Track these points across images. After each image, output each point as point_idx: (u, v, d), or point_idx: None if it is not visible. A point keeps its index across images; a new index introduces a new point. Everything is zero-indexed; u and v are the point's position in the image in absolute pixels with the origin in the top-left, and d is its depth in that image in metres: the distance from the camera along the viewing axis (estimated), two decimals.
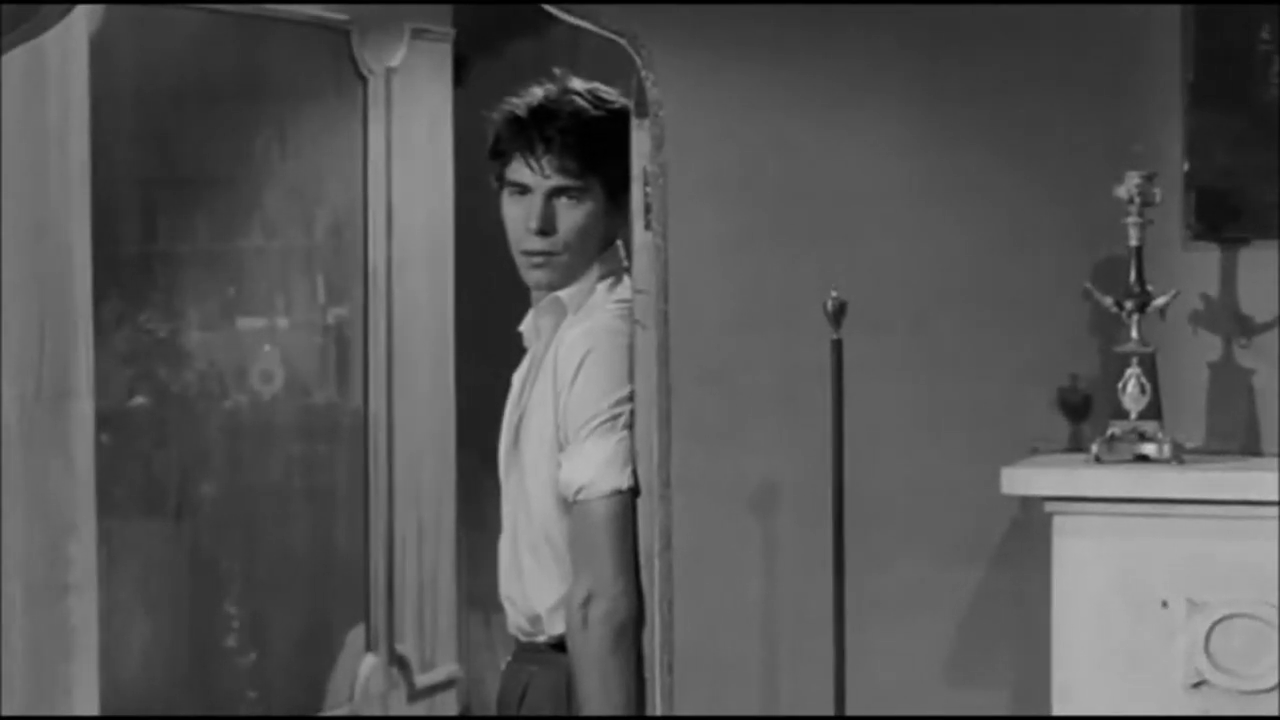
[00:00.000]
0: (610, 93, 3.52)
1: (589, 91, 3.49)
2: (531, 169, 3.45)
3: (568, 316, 3.47)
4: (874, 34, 3.53)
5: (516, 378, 3.56)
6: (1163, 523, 3.25)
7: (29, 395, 4.51)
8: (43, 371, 4.55)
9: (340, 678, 5.72)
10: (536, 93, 3.49)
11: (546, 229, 3.45)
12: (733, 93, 3.59)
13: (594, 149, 3.44)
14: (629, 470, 3.37)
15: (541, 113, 3.46)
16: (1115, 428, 3.33)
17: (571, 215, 3.45)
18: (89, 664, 4.64)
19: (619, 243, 3.55)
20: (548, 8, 3.57)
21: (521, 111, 3.48)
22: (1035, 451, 3.44)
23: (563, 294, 3.48)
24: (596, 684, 3.34)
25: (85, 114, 4.60)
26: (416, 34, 5.88)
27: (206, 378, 5.29)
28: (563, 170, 3.44)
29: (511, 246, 3.51)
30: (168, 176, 5.16)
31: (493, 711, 3.67)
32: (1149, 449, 3.31)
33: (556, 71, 3.53)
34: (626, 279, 3.53)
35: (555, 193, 3.45)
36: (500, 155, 3.50)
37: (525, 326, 3.56)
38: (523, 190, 3.47)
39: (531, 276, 3.50)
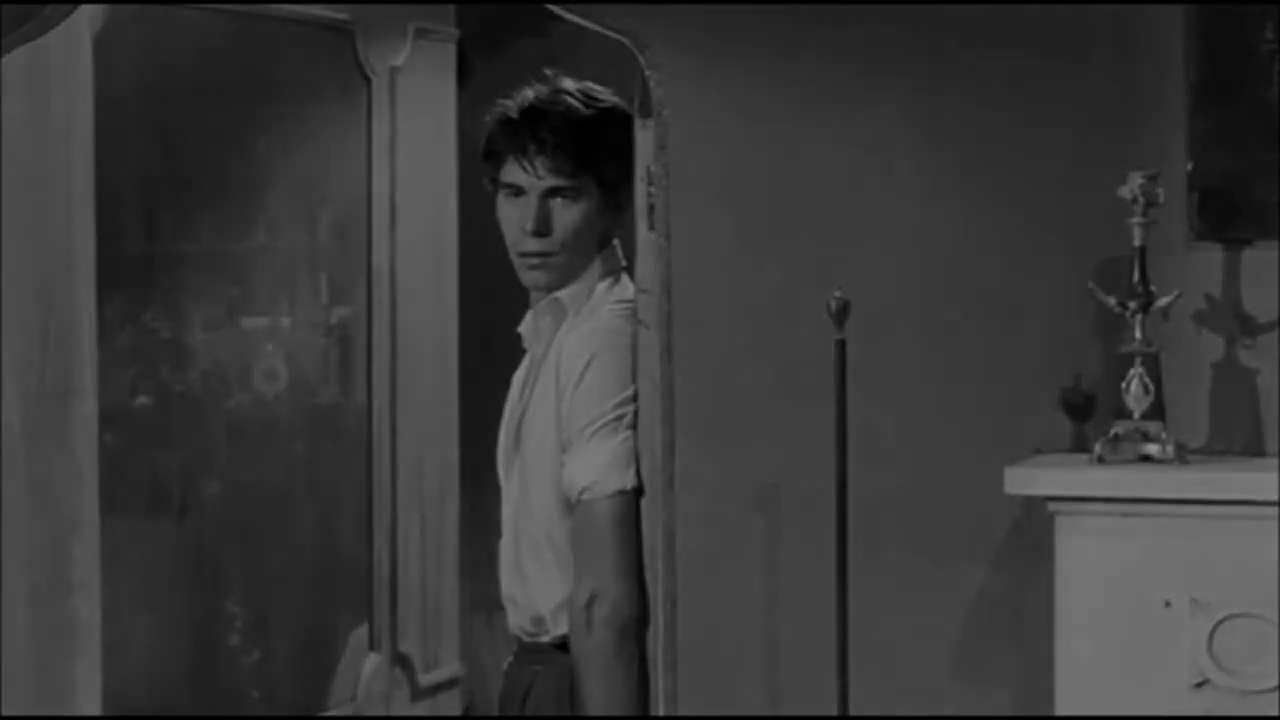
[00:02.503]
0: (602, 91, 3.51)
1: (580, 91, 3.49)
2: (525, 170, 3.44)
3: (568, 317, 3.46)
4: (876, 33, 3.53)
5: (516, 379, 3.56)
6: (1166, 523, 3.25)
7: (32, 394, 4.51)
8: (46, 370, 4.55)
9: (343, 677, 5.72)
10: (528, 94, 3.48)
11: (542, 230, 3.44)
12: (736, 92, 3.59)
13: (587, 148, 3.44)
14: (633, 470, 3.37)
15: (533, 113, 3.45)
16: (1118, 428, 3.33)
17: (567, 215, 3.45)
18: (92, 663, 4.64)
19: (616, 242, 3.55)
20: (551, 7, 3.57)
21: (513, 113, 3.47)
22: (1038, 451, 3.45)
23: (562, 295, 3.47)
24: (600, 684, 3.33)
25: (89, 114, 4.60)
26: (420, 34, 5.88)
27: (210, 377, 5.29)
28: (556, 170, 3.43)
29: (508, 249, 3.50)
30: (171, 176, 5.16)
31: (495, 711, 3.67)
32: (1152, 449, 3.32)
33: (548, 72, 3.52)
34: (626, 278, 3.53)
35: (550, 193, 3.44)
36: (493, 157, 3.50)
37: (524, 328, 3.56)
38: (517, 192, 3.46)
39: (529, 278, 3.50)
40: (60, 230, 4.57)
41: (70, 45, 4.51)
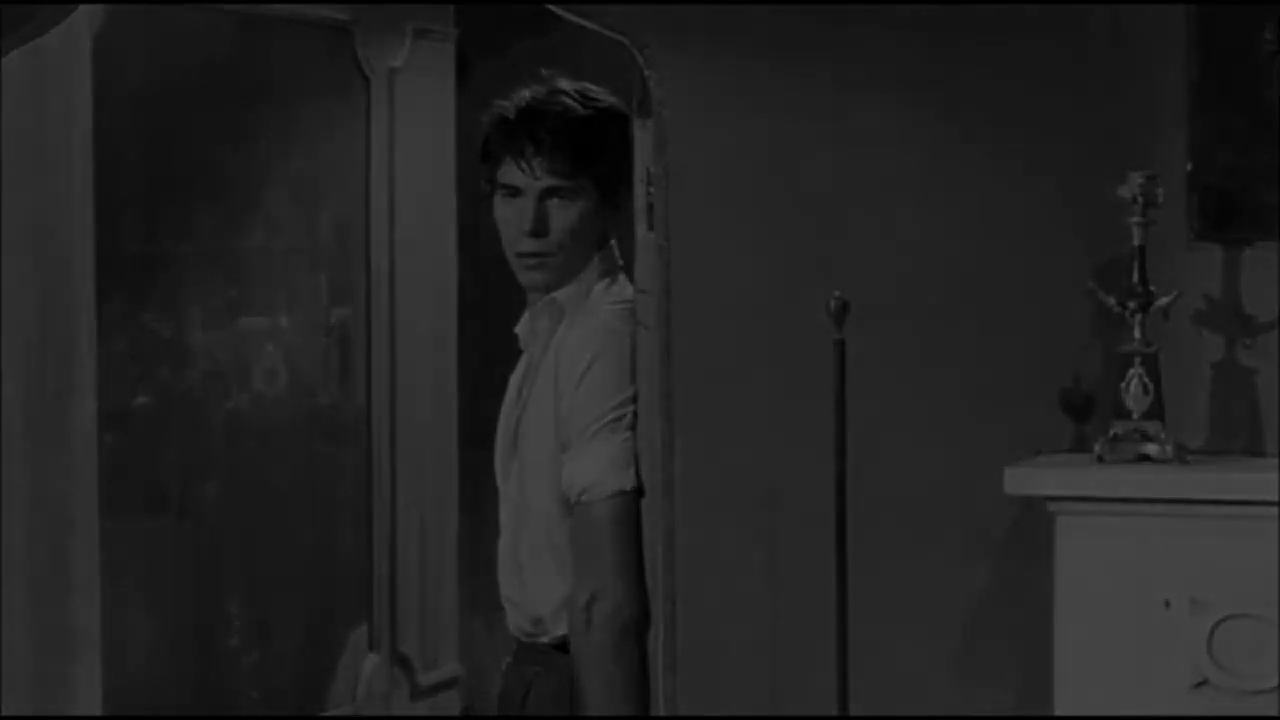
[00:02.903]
0: (599, 91, 3.51)
1: (577, 91, 3.49)
2: (522, 170, 3.44)
3: (565, 318, 3.46)
4: (876, 33, 3.52)
5: (513, 380, 3.56)
6: (1165, 522, 3.25)
7: (32, 394, 4.51)
8: (46, 370, 4.55)
9: (343, 677, 5.72)
10: (525, 94, 3.49)
11: (540, 230, 3.44)
12: (735, 92, 3.59)
13: (584, 148, 3.44)
14: (632, 471, 3.37)
15: (530, 114, 3.46)
16: (1118, 428, 3.33)
17: (564, 216, 3.45)
18: (91, 663, 4.64)
19: (613, 242, 3.55)
20: (550, 7, 3.57)
21: (510, 113, 3.48)
22: (1038, 452, 3.44)
23: (559, 295, 3.47)
24: (600, 685, 3.34)
25: (88, 114, 4.61)
26: (419, 34, 5.88)
27: (209, 377, 5.29)
28: (554, 171, 3.43)
29: (505, 249, 3.51)
30: (171, 176, 5.16)
31: (495, 711, 3.67)
32: (1152, 449, 3.31)
33: (544, 72, 3.53)
34: (623, 278, 3.53)
35: (547, 194, 3.45)
36: (491, 158, 3.50)
37: (521, 329, 3.56)
38: (514, 192, 3.46)
39: (527, 278, 3.50)
40: (59, 230, 4.58)
41: (70, 45, 4.51)
